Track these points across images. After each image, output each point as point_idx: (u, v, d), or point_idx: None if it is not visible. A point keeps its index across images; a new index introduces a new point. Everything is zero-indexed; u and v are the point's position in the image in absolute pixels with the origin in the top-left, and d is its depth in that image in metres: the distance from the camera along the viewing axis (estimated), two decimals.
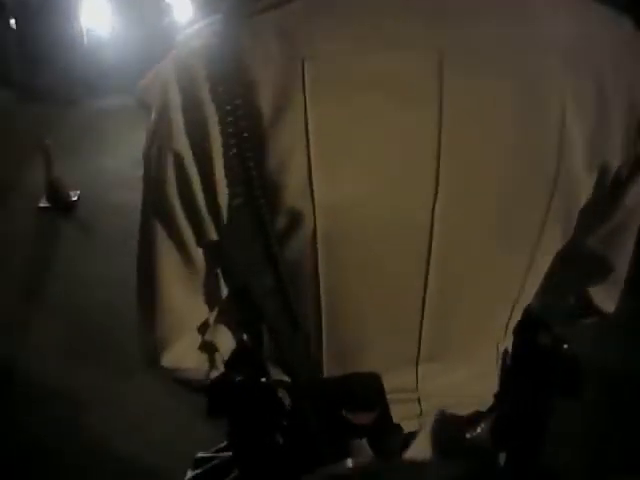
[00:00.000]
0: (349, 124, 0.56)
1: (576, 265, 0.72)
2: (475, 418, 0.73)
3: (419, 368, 0.70)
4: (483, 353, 0.73)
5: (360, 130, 0.56)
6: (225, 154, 0.57)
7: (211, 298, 0.71)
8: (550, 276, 0.71)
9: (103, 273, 3.04)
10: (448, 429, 0.72)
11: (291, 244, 0.60)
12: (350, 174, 0.57)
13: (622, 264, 0.74)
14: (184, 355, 0.71)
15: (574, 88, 0.57)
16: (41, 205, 3.83)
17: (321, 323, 0.65)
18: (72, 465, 2.05)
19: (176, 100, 0.58)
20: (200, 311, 0.71)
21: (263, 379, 0.72)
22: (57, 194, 3.81)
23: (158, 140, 0.60)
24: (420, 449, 0.72)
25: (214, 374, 0.75)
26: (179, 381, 0.76)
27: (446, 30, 0.55)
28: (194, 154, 0.58)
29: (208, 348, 0.73)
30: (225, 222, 0.60)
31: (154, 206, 0.64)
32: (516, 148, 0.58)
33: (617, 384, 2.22)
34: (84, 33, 6.10)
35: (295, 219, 0.58)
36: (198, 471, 0.95)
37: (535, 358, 0.75)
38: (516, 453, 0.77)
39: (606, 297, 0.78)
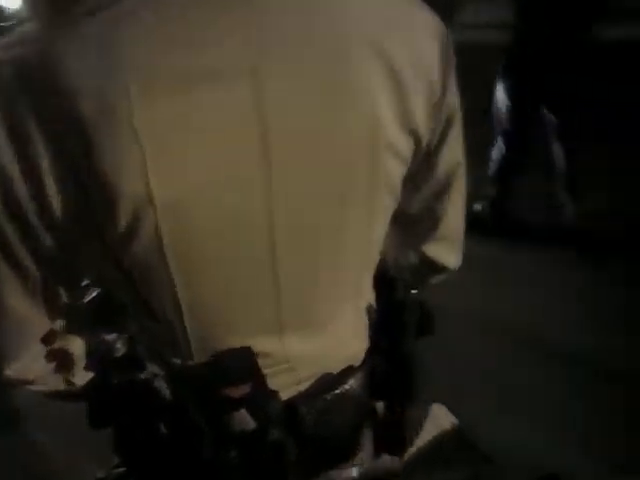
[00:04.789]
0: (176, 124, 0.58)
1: (410, 226, 0.81)
2: (347, 373, 0.77)
3: (284, 340, 0.73)
4: (346, 314, 0.77)
5: (187, 129, 0.58)
6: (54, 166, 0.58)
7: (52, 307, 0.71)
8: (393, 238, 0.79)
9: None
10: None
11: (136, 243, 0.61)
12: (183, 172, 0.59)
13: (451, 220, 0.83)
14: (29, 366, 0.72)
15: (379, 70, 0.63)
16: None
17: (182, 312, 0.67)
18: None
19: None
20: (42, 321, 0.71)
21: (142, 375, 0.73)
22: None
23: None
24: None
25: (76, 381, 0.75)
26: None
27: (259, 24, 0.59)
28: (20, 168, 0.58)
29: (58, 356, 0.73)
30: (61, 230, 0.61)
31: None
32: (332, 131, 0.63)
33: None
34: None
35: (136, 221, 0.60)
36: None
37: (393, 309, 0.83)
38: (393, 402, 0.82)
39: (442, 252, 0.87)
